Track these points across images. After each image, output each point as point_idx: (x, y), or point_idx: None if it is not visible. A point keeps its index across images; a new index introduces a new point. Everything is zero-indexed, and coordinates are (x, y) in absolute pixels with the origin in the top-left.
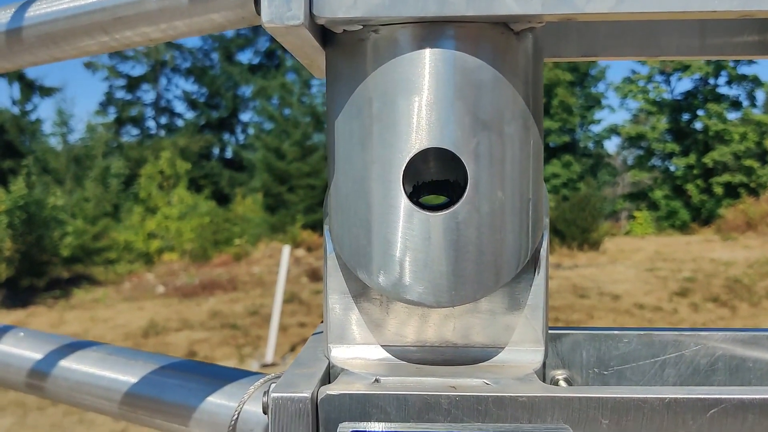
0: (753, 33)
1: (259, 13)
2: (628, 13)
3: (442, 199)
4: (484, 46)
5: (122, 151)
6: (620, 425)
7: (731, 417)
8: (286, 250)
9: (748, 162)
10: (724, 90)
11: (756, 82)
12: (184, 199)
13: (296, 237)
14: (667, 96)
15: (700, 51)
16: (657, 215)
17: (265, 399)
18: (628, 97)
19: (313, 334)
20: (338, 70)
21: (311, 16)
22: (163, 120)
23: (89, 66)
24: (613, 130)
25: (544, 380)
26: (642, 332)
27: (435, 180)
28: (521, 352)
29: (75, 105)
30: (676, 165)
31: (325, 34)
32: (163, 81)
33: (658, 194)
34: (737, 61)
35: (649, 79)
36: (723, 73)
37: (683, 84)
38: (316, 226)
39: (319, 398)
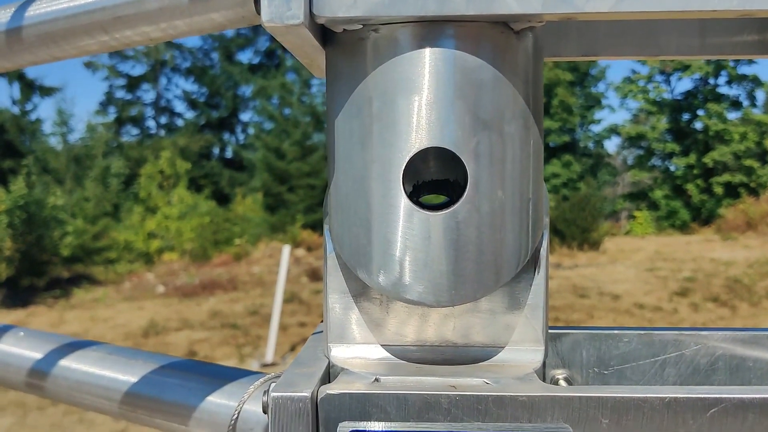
0: (753, 32)
1: (259, 12)
2: (627, 12)
3: (442, 199)
4: (484, 46)
5: (122, 150)
6: (620, 425)
7: (731, 416)
8: (286, 249)
9: (748, 162)
10: (724, 90)
11: (756, 81)
12: (184, 199)
13: (296, 237)
14: (667, 96)
15: (699, 50)
16: (657, 215)
17: (265, 398)
18: (628, 97)
19: (313, 333)
20: (338, 69)
21: (311, 15)
22: (163, 120)
23: (89, 66)
24: (613, 130)
25: (544, 380)
26: (642, 332)
27: (435, 179)
28: (521, 352)
29: (75, 105)
30: (676, 165)
31: (325, 34)
32: (163, 81)
33: (658, 194)
34: (737, 61)
35: (649, 78)
36: (723, 72)
37: (683, 84)
38: (316, 226)
39: (319, 397)
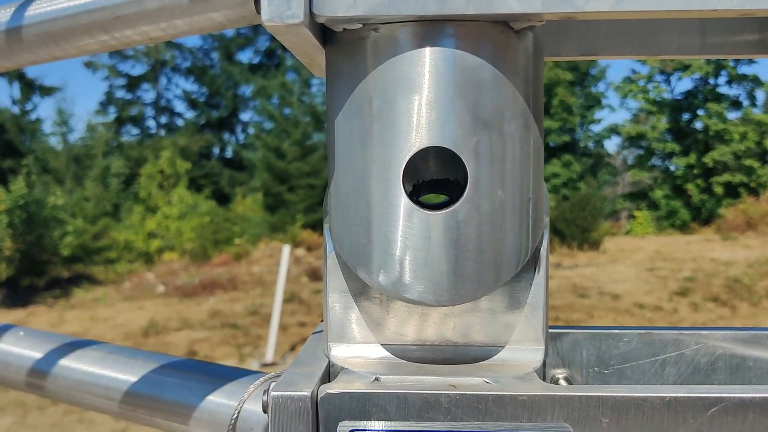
0: (753, 32)
1: (259, 11)
2: (628, 11)
3: (442, 198)
4: (484, 45)
5: (122, 150)
6: (620, 424)
7: (731, 416)
8: (286, 249)
9: (748, 162)
10: (724, 90)
11: (756, 81)
12: (184, 199)
13: (296, 236)
14: (667, 96)
15: (700, 50)
16: (657, 215)
17: (265, 398)
18: (628, 97)
19: (313, 333)
20: (338, 68)
21: (311, 14)
22: (163, 119)
23: (89, 65)
24: (613, 130)
25: (544, 379)
26: (642, 331)
27: (435, 179)
28: (521, 351)
29: (75, 104)
30: (676, 165)
31: (325, 33)
32: (163, 80)
33: (658, 194)
34: (737, 61)
35: (650, 78)
36: (723, 72)
37: (683, 84)
38: (316, 226)
39: (319, 397)
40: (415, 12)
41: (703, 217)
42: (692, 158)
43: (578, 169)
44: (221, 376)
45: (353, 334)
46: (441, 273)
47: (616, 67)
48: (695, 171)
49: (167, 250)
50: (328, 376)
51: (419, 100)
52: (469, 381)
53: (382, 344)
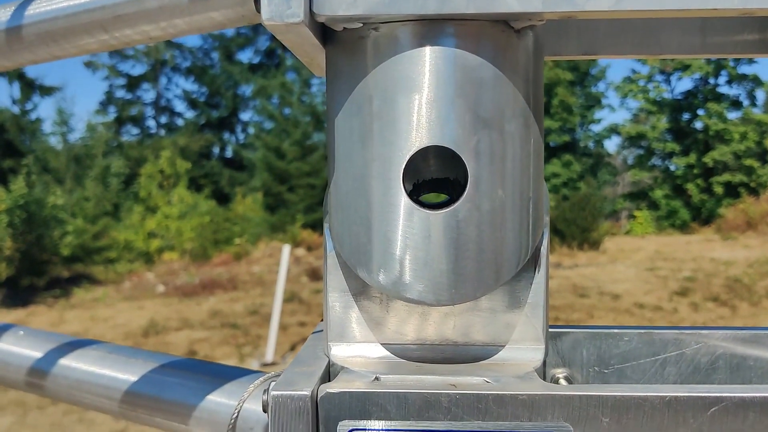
0: (754, 31)
1: (259, 10)
2: (628, 10)
3: (442, 197)
4: (484, 44)
5: (122, 150)
6: (621, 423)
7: (732, 415)
8: (286, 249)
9: (748, 161)
10: (724, 89)
11: (756, 81)
12: (184, 199)
13: (296, 236)
14: (667, 95)
15: (700, 49)
16: (657, 215)
17: (265, 397)
18: (628, 97)
19: (313, 332)
20: (338, 67)
21: (311, 13)
22: (163, 119)
23: (89, 65)
24: (614, 130)
25: (544, 378)
26: (642, 331)
27: (435, 178)
28: (521, 351)
29: (75, 104)
30: (677, 164)
31: (325, 32)
32: (163, 80)
33: (658, 194)
34: (737, 61)
35: (650, 78)
36: (723, 72)
37: (683, 83)
38: (316, 226)
39: (319, 396)
40: (416, 11)
41: (703, 217)
42: (692, 158)
43: (578, 169)
44: (221, 375)
45: (353, 334)
46: (441, 272)
47: (616, 67)
48: (695, 171)
49: (167, 250)
50: (328, 375)
51: (419, 99)
52: (469, 380)
53: (382, 343)
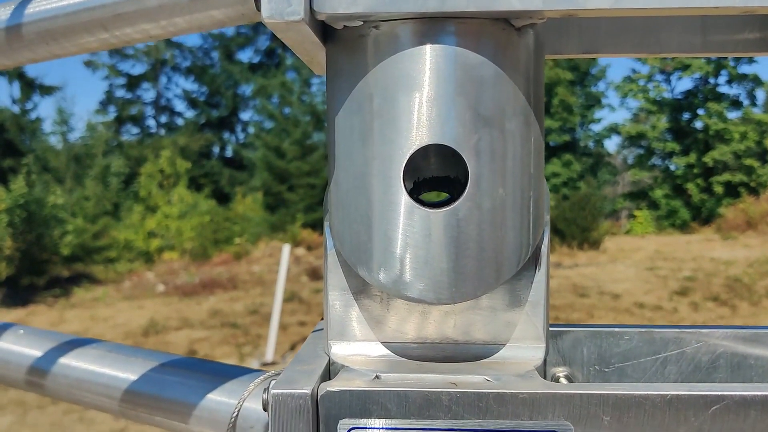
0: (754, 30)
1: (259, 9)
2: (628, 9)
3: (443, 196)
4: (485, 42)
5: (122, 149)
6: (621, 422)
7: (733, 414)
8: (286, 249)
9: (748, 161)
10: (724, 89)
11: (756, 81)
12: (184, 198)
13: (296, 236)
14: (667, 95)
15: (701, 48)
16: (657, 214)
17: (265, 396)
18: (628, 96)
19: (313, 331)
20: (339, 66)
21: (311, 11)
22: (163, 119)
23: (89, 65)
24: (614, 129)
25: (544, 377)
26: (643, 329)
27: (436, 176)
28: (522, 349)
29: (75, 104)
30: (677, 164)
31: (325, 30)
32: (163, 80)
33: (658, 193)
34: (737, 60)
35: (650, 78)
36: (723, 72)
37: (683, 83)
38: (316, 225)
39: (319, 395)
40: (416, 9)
41: (703, 216)
42: (692, 158)
43: (578, 169)
44: (221, 374)
45: (353, 332)
46: (441, 271)
47: (617, 67)
48: (695, 170)
49: (167, 250)
50: (329, 374)
51: (420, 97)
52: (469, 379)
53: (382, 342)
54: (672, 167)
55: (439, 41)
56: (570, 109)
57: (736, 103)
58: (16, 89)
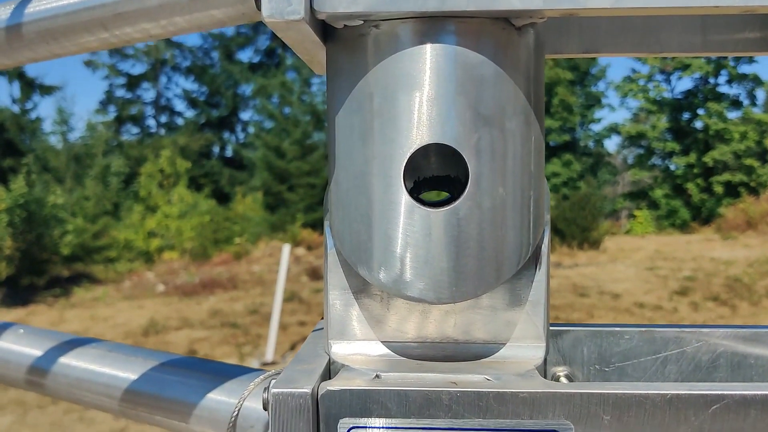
0: (755, 29)
1: (259, 8)
2: (629, 8)
3: (443, 195)
4: (485, 42)
5: (122, 149)
6: (622, 421)
7: (733, 413)
8: (286, 248)
9: (748, 161)
10: (724, 89)
11: (756, 81)
12: (184, 198)
13: (296, 236)
14: (667, 95)
15: (701, 48)
16: (657, 214)
17: (265, 395)
18: (628, 96)
19: (314, 330)
20: (339, 65)
21: (312, 11)
22: (163, 118)
23: (89, 64)
24: (614, 129)
25: (545, 376)
26: (643, 329)
27: (436, 176)
28: (522, 348)
29: (75, 103)
30: (677, 164)
31: (325, 30)
32: (163, 79)
33: (658, 193)
34: (737, 60)
35: (650, 78)
36: (723, 72)
37: (683, 83)
38: (316, 225)
39: (319, 394)
40: (416, 8)
41: (703, 216)
42: (692, 157)
43: (578, 169)
44: (221, 373)
45: (354, 332)
46: (442, 270)
47: (617, 67)
48: (695, 170)
49: (167, 249)
50: (329, 373)
51: (420, 96)
52: (470, 378)
53: (382, 341)
54: (672, 167)
55: (439, 40)
56: (570, 108)
57: (736, 103)
58: (16, 89)
